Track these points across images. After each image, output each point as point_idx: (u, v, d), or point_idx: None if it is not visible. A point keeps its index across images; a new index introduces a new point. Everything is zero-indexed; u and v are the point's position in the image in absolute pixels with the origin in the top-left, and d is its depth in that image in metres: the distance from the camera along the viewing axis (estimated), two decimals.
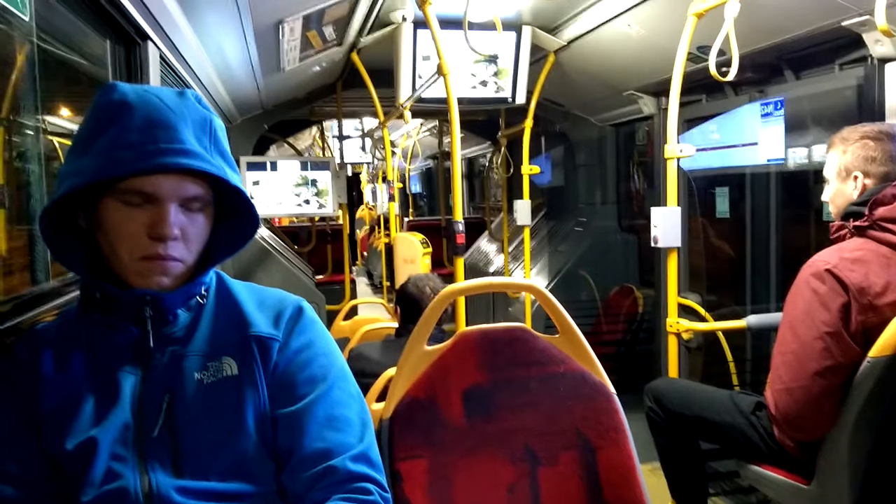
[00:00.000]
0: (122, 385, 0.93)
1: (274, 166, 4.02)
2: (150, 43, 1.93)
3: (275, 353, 0.99)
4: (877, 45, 2.22)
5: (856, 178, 1.75)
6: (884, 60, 2.24)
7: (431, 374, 1.30)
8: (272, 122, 4.34)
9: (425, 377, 1.30)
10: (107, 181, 0.90)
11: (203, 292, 1.01)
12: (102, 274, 0.97)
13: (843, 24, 2.21)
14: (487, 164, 6.91)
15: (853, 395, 1.55)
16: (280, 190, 4.03)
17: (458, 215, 2.30)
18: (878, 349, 1.49)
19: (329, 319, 3.75)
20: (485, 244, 6.24)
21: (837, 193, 1.80)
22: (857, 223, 1.68)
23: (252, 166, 3.98)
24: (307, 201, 4.05)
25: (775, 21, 2.38)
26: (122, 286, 0.95)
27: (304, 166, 4.09)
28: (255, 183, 3.96)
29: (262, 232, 4.57)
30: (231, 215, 1.03)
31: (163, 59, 2.11)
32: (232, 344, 0.98)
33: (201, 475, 0.92)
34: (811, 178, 2.81)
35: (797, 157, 2.78)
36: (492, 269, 5.55)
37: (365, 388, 1.82)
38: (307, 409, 0.97)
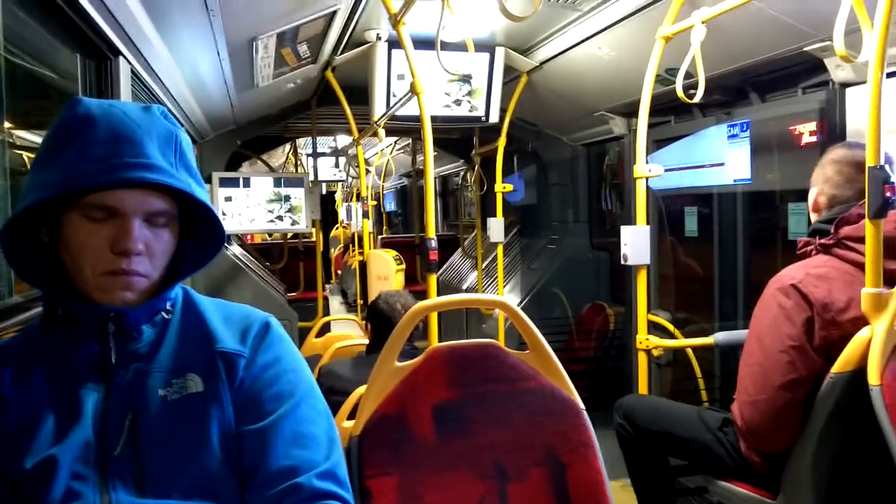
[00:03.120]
0: (84, 402, 0.91)
1: (247, 182, 4.00)
2: (121, 58, 1.92)
3: (241, 370, 0.98)
4: (838, 70, 2.29)
5: (815, 192, 1.82)
6: (845, 85, 2.31)
7: (402, 390, 1.30)
8: (245, 138, 4.33)
9: (395, 394, 1.29)
10: (70, 195, 0.89)
11: (168, 308, 1.00)
12: (65, 289, 0.95)
13: (806, 49, 2.28)
14: (461, 182, 6.95)
15: (816, 410, 1.58)
16: (253, 206, 4.01)
17: (431, 232, 2.31)
18: (839, 366, 1.52)
19: (301, 336, 3.72)
20: (458, 261, 6.26)
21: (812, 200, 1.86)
22: (822, 241, 1.73)
23: (224, 182, 3.96)
24: (280, 217, 4.04)
25: (740, 46, 2.45)
26: (86, 302, 0.93)
27: (277, 183, 4.08)
28: (228, 199, 3.93)
29: (234, 248, 4.53)
30: (198, 231, 1.03)
31: (134, 74, 2.10)
32: (197, 360, 0.97)
33: (164, 494, 0.91)
34: (777, 198, 2.88)
35: (763, 177, 2.85)
36: (465, 286, 5.57)
37: (336, 406, 1.80)
38: (273, 426, 0.96)
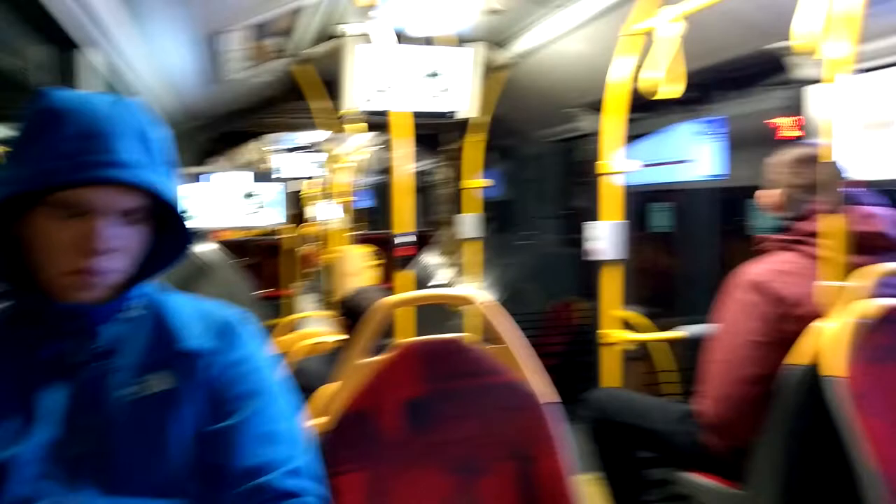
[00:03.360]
0: (48, 400, 0.90)
1: (217, 178, 3.96)
2: (89, 49, 1.88)
3: (208, 368, 0.97)
4: (801, 68, 2.34)
5: (774, 191, 1.85)
6: (808, 83, 2.36)
7: (370, 386, 1.30)
8: (216, 133, 4.27)
9: (364, 390, 1.29)
10: (37, 192, 0.87)
11: (136, 305, 0.99)
12: (31, 286, 0.94)
13: (770, 47, 2.32)
14: (437, 178, 6.94)
15: (777, 402, 1.61)
16: (224, 202, 3.97)
17: (402, 228, 2.31)
18: (795, 358, 1.56)
19: (272, 334, 3.69)
20: (434, 257, 6.26)
21: (765, 197, 1.90)
22: (781, 236, 1.77)
23: (195, 177, 3.91)
24: (252, 213, 4.00)
25: (706, 45, 2.49)
26: (52, 299, 0.92)
27: (249, 178, 4.04)
28: (198, 194, 3.88)
29: (203, 245, 4.48)
30: (172, 227, 1.01)
31: (103, 66, 2.06)
32: (164, 358, 0.96)
33: (130, 493, 0.90)
34: (745, 193, 2.94)
35: (731, 173, 2.90)
36: (440, 282, 5.56)
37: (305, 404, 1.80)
38: (241, 425, 0.95)
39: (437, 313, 5.22)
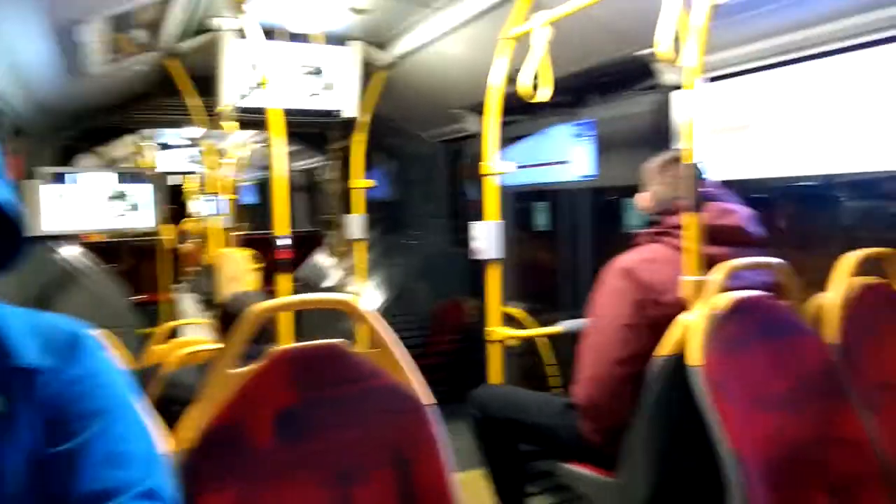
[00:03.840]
0: None
1: (82, 178, 3.68)
2: None
3: (45, 386, 0.88)
4: (666, 74, 2.47)
5: (646, 192, 1.98)
6: (673, 88, 2.50)
7: (239, 398, 1.24)
8: (79, 129, 3.97)
9: (232, 402, 1.23)
10: None
11: None
12: None
13: (638, 54, 2.44)
14: (323, 177, 6.82)
15: (647, 389, 1.69)
16: (90, 203, 3.69)
17: (282, 230, 2.24)
18: (665, 348, 1.64)
19: (146, 343, 3.48)
20: (321, 258, 6.13)
21: (641, 199, 2.02)
22: (651, 230, 1.89)
23: (55, 178, 3.61)
24: (121, 215, 3.74)
25: (579, 50, 2.58)
26: None
27: (116, 178, 3.78)
28: (59, 196, 3.59)
29: (66, 250, 4.16)
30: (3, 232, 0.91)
31: None
32: None
33: None
34: (618, 193, 3.08)
35: (604, 174, 3.03)
36: (328, 284, 5.46)
37: (180, 417, 1.70)
38: (84, 447, 0.87)
39: (331, 318, 5.13)
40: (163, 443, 0.96)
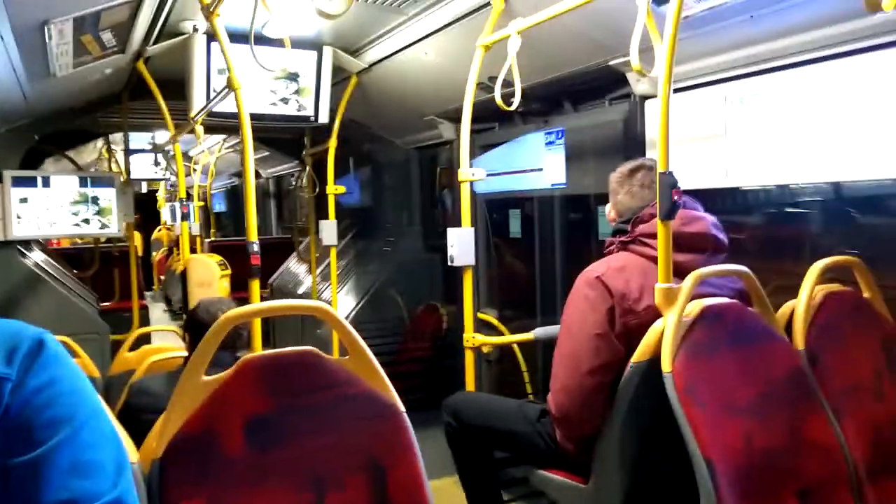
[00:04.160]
0: None
1: (46, 182, 3.59)
2: None
3: (7, 395, 0.86)
4: (638, 84, 2.50)
5: (615, 201, 1.99)
6: (644, 98, 2.53)
7: (210, 406, 1.22)
8: (45, 132, 3.89)
9: (203, 410, 1.21)
10: None
11: None
12: None
13: (610, 63, 2.46)
14: (295, 184, 6.76)
15: (619, 396, 1.70)
16: (54, 208, 3.61)
17: (253, 236, 2.21)
18: (638, 355, 1.65)
19: (115, 351, 3.41)
20: (294, 265, 6.08)
21: (609, 209, 2.04)
22: (621, 238, 1.89)
23: (18, 181, 3.53)
24: (87, 221, 3.67)
25: (553, 58, 2.60)
26: None
27: (83, 182, 3.70)
28: (23, 200, 3.50)
29: (34, 255, 4.06)
30: None
31: None
32: None
33: None
34: (591, 201, 3.10)
35: (576, 181, 3.05)
36: (301, 291, 5.41)
37: (149, 426, 1.66)
38: (48, 456, 0.85)
39: (307, 324, 5.08)
40: (131, 452, 0.94)
